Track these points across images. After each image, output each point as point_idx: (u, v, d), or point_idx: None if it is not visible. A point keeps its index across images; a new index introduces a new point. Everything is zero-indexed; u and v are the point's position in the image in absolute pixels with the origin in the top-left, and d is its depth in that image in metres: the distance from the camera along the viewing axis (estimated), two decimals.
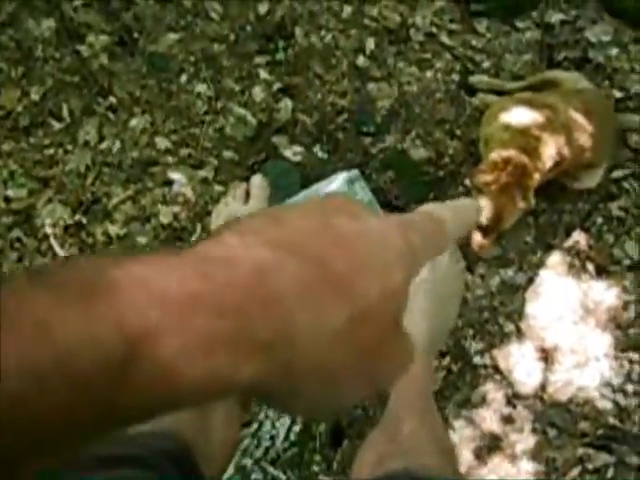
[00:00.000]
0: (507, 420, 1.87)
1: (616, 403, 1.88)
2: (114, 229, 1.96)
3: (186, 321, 0.30)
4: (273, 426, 1.71)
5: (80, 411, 0.28)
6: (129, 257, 0.32)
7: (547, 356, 1.93)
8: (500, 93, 2.12)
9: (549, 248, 2.02)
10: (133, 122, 2.08)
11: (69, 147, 2.04)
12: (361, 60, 2.20)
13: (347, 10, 2.28)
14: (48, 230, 1.94)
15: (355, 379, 0.39)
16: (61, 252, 1.92)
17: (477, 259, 1.96)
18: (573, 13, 2.30)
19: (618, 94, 2.19)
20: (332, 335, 0.35)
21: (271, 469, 1.65)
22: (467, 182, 2.04)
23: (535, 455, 1.84)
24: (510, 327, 1.95)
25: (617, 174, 2.09)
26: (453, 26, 2.28)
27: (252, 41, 2.21)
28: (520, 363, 1.92)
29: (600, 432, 1.85)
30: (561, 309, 1.97)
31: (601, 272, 2.00)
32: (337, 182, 1.69)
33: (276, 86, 2.15)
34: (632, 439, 1.84)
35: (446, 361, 1.91)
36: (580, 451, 1.83)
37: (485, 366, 1.92)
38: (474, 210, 0.50)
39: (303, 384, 0.36)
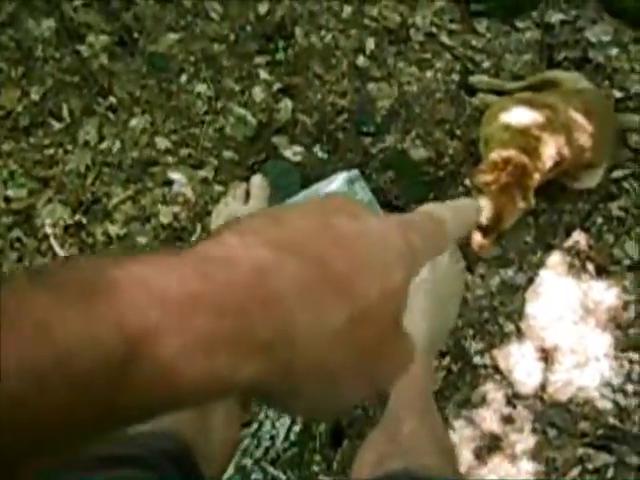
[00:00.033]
0: (507, 420, 1.87)
1: (616, 403, 1.88)
2: (114, 229, 1.96)
3: (186, 321, 0.30)
4: (273, 426, 1.71)
5: (80, 411, 0.28)
6: (129, 257, 0.32)
7: (547, 356, 1.93)
8: (500, 93, 2.12)
9: (549, 248, 2.02)
10: (133, 122, 2.08)
11: (69, 147, 2.04)
12: (361, 60, 2.20)
13: (347, 10, 2.28)
14: (48, 230, 1.94)
15: (355, 379, 0.39)
16: (61, 252, 1.92)
17: (477, 259, 1.96)
18: (573, 13, 2.30)
19: (618, 94, 2.19)
20: (332, 335, 0.35)
21: (271, 469, 1.65)
22: (467, 182, 2.04)
23: (535, 455, 1.84)
24: (510, 327, 1.95)
25: (617, 174, 2.09)
26: (453, 26, 2.28)
27: (252, 41, 2.21)
28: (520, 363, 1.92)
29: (600, 432, 1.85)
30: (561, 309, 1.97)
31: (601, 272, 2.00)
32: (337, 182, 1.69)
33: (276, 86, 2.15)
34: (632, 439, 1.84)
35: (446, 361, 1.91)
36: (580, 451, 1.83)
37: (485, 366, 1.92)
38: (474, 210, 0.50)
39: (303, 384, 0.36)
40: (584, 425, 1.86)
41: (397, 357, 0.41)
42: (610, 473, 1.81)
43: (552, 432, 1.85)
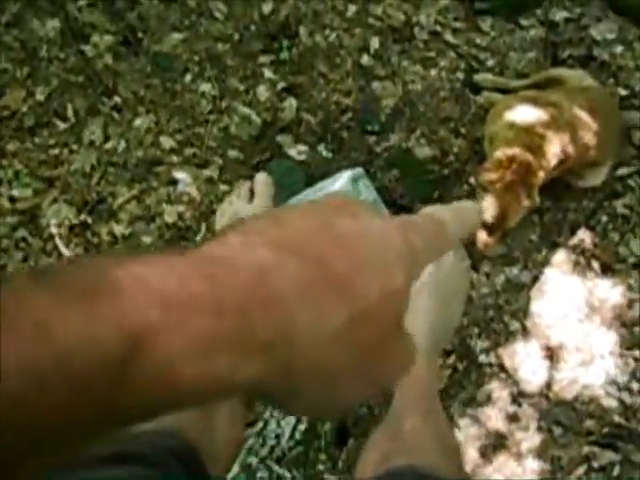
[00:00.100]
0: (512, 418, 1.87)
1: (621, 401, 1.88)
2: (119, 229, 1.96)
3: (186, 321, 0.30)
4: (278, 425, 1.71)
5: (80, 411, 0.28)
6: (131, 258, 0.33)
7: (552, 354, 1.93)
8: (505, 91, 2.12)
9: (554, 246, 2.02)
10: (138, 122, 2.08)
11: (74, 147, 2.05)
12: (365, 59, 2.20)
13: (351, 9, 2.28)
14: (53, 230, 1.95)
15: (355, 379, 0.39)
16: (66, 252, 1.93)
17: (482, 257, 1.96)
18: (577, 11, 2.30)
19: (623, 92, 2.18)
20: (332, 335, 0.35)
21: (276, 468, 1.65)
22: (472, 180, 2.04)
23: (541, 453, 1.84)
24: (515, 325, 1.95)
25: (622, 172, 2.09)
26: (457, 24, 2.28)
27: (256, 40, 2.21)
28: (525, 361, 1.92)
29: (605, 430, 1.85)
30: (566, 307, 1.97)
31: (606, 270, 2.00)
32: (341, 180, 1.69)
33: (280, 85, 2.15)
34: (637, 437, 1.84)
35: (451, 360, 1.90)
36: (586, 449, 1.83)
37: (490, 364, 1.92)
38: (476, 212, 0.50)
39: (303, 384, 0.36)
40: (589, 423, 1.86)
41: (398, 358, 0.41)
42: (616, 471, 1.81)
43: (558, 430, 1.85)
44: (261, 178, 1.73)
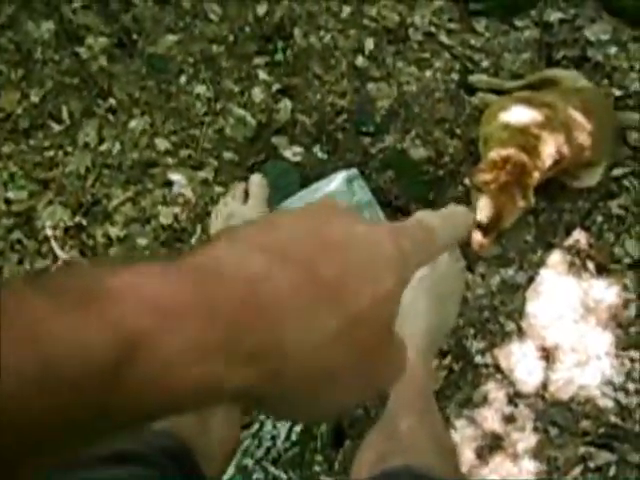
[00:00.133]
0: (508, 419, 1.87)
1: (617, 401, 1.88)
2: (114, 231, 1.96)
3: (177, 328, 0.31)
4: (274, 426, 1.71)
5: (75, 413, 0.28)
6: (125, 266, 0.33)
7: (548, 355, 1.93)
8: (499, 92, 2.12)
9: (549, 247, 2.02)
10: (133, 123, 2.08)
11: (69, 149, 2.05)
12: (360, 60, 2.21)
13: (346, 10, 2.28)
14: (48, 232, 1.94)
15: (347, 385, 0.39)
16: (62, 254, 1.92)
17: (477, 258, 1.96)
18: (572, 12, 2.30)
19: (617, 92, 2.19)
20: (323, 341, 0.35)
21: (272, 469, 1.65)
22: (467, 181, 2.04)
23: (537, 454, 1.84)
24: (511, 326, 1.95)
25: (617, 172, 2.09)
26: (452, 25, 2.28)
27: (251, 42, 2.21)
28: (521, 362, 1.92)
29: (601, 430, 1.85)
30: (562, 308, 1.97)
31: (601, 271, 2.00)
32: (336, 181, 1.69)
33: (275, 87, 2.15)
34: (633, 437, 1.84)
35: (447, 360, 1.90)
36: (582, 450, 1.83)
37: (486, 365, 1.92)
38: (466, 217, 0.50)
39: (294, 390, 0.36)
40: (585, 424, 1.86)
41: (389, 362, 0.42)
42: (612, 471, 1.81)
43: (554, 431, 1.85)
44: (255, 179, 1.73)
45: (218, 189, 2.01)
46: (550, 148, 1.79)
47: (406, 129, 2.12)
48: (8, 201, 1.98)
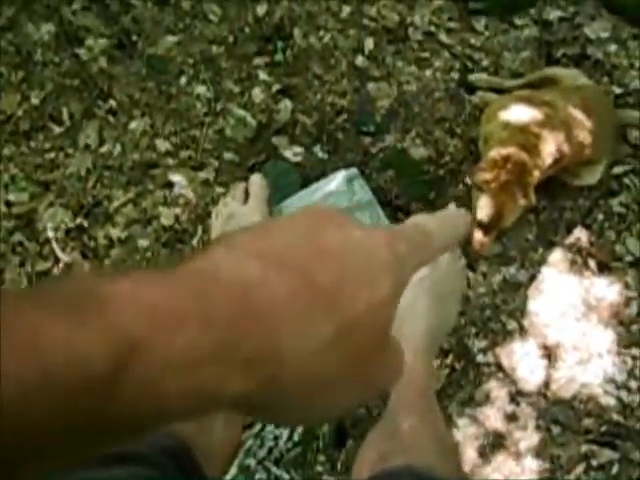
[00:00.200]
0: (511, 418, 1.87)
1: (619, 399, 1.88)
2: (115, 232, 1.96)
3: (173, 335, 0.31)
4: (276, 426, 1.71)
5: (73, 419, 0.28)
6: (122, 274, 0.33)
7: (550, 353, 1.93)
8: (499, 91, 2.12)
9: (550, 245, 2.02)
10: (133, 125, 2.08)
11: (70, 151, 2.05)
12: (360, 60, 2.21)
13: (346, 10, 2.28)
14: (50, 234, 1.95)
15: (343, 390, 0.39)
16: (63, 256, 1.92)
17: (478, 257, 1.96)
18: (571, 10, 2.30)
19: (617, 90, 2.18)
20: (319, 347, 0.35)
21: (275, 469, 1.65)
22: (467, 180, 2.04)
23: (539, 452, 1.84)
24: (513, 325, 1.95)
25: (617, 170, 2.09)
26: (452, 25, 2.28)
27: (251, 42, 2.21)
28: (523, 360, 1.92)
29: (604, 429, 1.85)
30: (563, 306, 1.97)
31: (603, 269, 2.00)
32: (336, 181, 1.69)
33: (275, 87, 2.15)
34: (636, 435, 1.84)
35: (449, 359, 1.90)
36: (584, 448, 1.83)
37: (488, 364, 1.92)
38: (463, 220, 0.50)
39: (290, 396, 0.36)
40: (588, 422, 1.86)
41: (386, 366, 0.42)
42: (615, 469, 1.81)
43: (556, 429, 1.85)
44: (255, 179, 1.74)
45: (219, 190, 2.01)
46: (550, 146, 1.79)
47: (406, 128, 2.12)
48: (9, 203, 1.98)
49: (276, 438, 1.70)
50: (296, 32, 2.22)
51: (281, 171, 1.99)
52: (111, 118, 2.09)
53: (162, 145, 2.06)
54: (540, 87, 2.03)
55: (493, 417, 1.87)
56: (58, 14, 2.20)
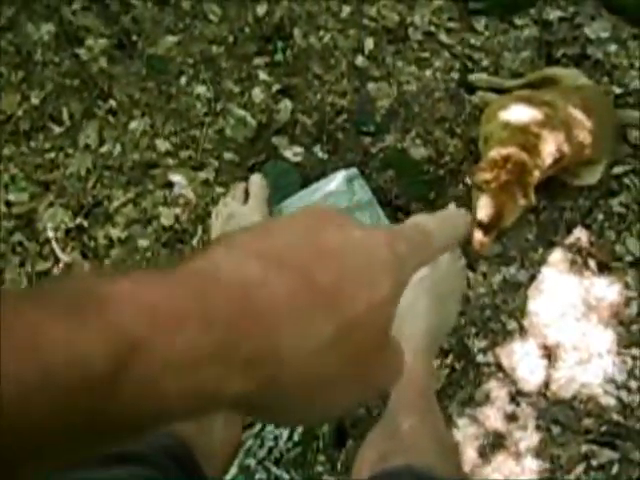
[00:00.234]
0: (511, 418, 1.87)
1: (619, 399, 1.88)
2: (115, 232, 1.96)
3: (173, 335, 0.31)
4: (276, 426, 1.71)
5: (73, 419, 0.28)
6: (122, 274, 0.33)
7: (550, 353, 1.93)
8: (499, 91, 2.12)
9: (550, 245, 2.02)
10: (133, 125, 2.08)
11: (70, 151, 2.05)
12: (360, 60, 2.21)
13: (346, 10, 2.28)
14: (50, 234, 1.95)
15: (343, 391, 0.39)
16: (63, 256, 1.92)
17: (479, 257, 1.96)
18: (571, 10, 2.30)
19: (617, 90, 2.18)
20: (319, 347, 0.35)
21: (275, 469, 1.65)
22: (467, 180, 2.04)
23: (539, 452, 1.84)
24: (513, 325, 1.95)
25: (617, 170, 2.09)
26: (451, 25, 2.28)
27: (251, 42, 2.21)
28: (523, 360, 1.92)
29: (604, 429, 1.85)
30: (563, 306, 1.97)
31: (603, 269, 2.00)
32: (336, 181, 1.69)
33: (275, 87, 2.15)
34: (636, 435, 1.84)
35: (449, 359, 1.91)
36: (584, 448, 1.83)
37: (488, 364, 1.92)
38: (463, 220, 0.50)
39: (290, 396, 0.36)
40: (588, 422, 1.86)
41: (386, 367, 0.42)
42: (615, 469, 1.81)
43: (556, 429, 1.85)
44: (255, 179, 1.74)
45: (219, 189, 2.01)
46: (550, 146, 1.79)
47: (406, 128, 2.12)
48: (9, 203, 1.98)
49: (276, 438, 1.70)
50: (296, 32, 2.22)
51: (281, 171, 1.99)
52: (111, 118, 2.09)
53: (162, 145, 2.06)
54: (540, 87, 2.03)
55: (493, 417, 1.87)
56: (58, 14, 2.20)
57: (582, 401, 1.88)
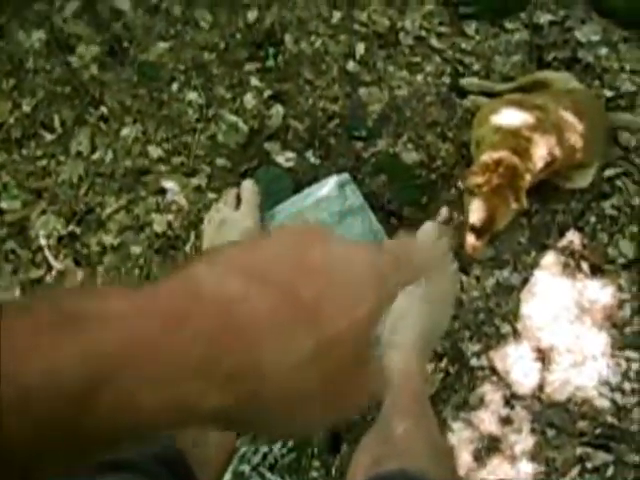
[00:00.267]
0: (505, 421, 1.87)
1: (614, 402, 1.88)
2: (108, 239, 1.96)
3: (153, 351, 0.31)
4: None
5: (50, 434, 0.29)
6: (105, 291, 0.33)
7: (544, 356, 1.93)
8: (490, 95, 2.13)
9: (543, 248, 2.03)
10: (125, 131, 2.08)
11: (61, 158, 2.04)
12: (351, 65, 2.21)
13: (336, 15, 2.28)
14: (42, 241, 1.94)
15: (323, 406, 0.39)
16: (56, 263, 1.92)
17: (472, 261, 1.96)
18: (562, 13, 2.31)
19: (608, 93, 2.19)
20: (300, 363, 0.35)
21: (269, 475, 1.65)
22: (459, 184, 2.04)
23: (534, 455, 1.84)
24: (506, 328, 1.95)
25: (609, 173, 2.10)
26: (442, 29, 2.28)
27: (242, 48, 2.21)
28: (517, 364, 1.92)
29: (598, 431, 1.85)
30: (557, 309, 1.97)
31: (596, 271, 2.00)
32: (328, 186, 1.69)
33: (267, 93, 2.15)
34: (630, 437, 1.84)
35: (443, 363, 1.90)
36: (579, 450, 1.83)
37: (482, 368, 1.92)
38: (437, 232, 0.51)
39: (271, 411, 0.36)
40: (582, 424, 1.86)
41: (367, 383, 0.42)
42: (609, 472, 1.81)
43: (551, 432, 1.85)
44: (247, 185, 1.74)
45: (211, 195, 2.01)
46: (542, 150, 1.79)
47: (398, 133, 2.12)
48: (1, 211, 1.98)
49: (270, 444, 1.70)
50: (287, 38, 2.23)
51: (273, 177, 1.99)
52: (103, 125, 2.09)
53: (154, 152, 2.06)
54: (531, 91, 2.03)
55: (487, 420, 1.87)
56: (49, 22, 2.20)
57: (576, 404, 1.88)
